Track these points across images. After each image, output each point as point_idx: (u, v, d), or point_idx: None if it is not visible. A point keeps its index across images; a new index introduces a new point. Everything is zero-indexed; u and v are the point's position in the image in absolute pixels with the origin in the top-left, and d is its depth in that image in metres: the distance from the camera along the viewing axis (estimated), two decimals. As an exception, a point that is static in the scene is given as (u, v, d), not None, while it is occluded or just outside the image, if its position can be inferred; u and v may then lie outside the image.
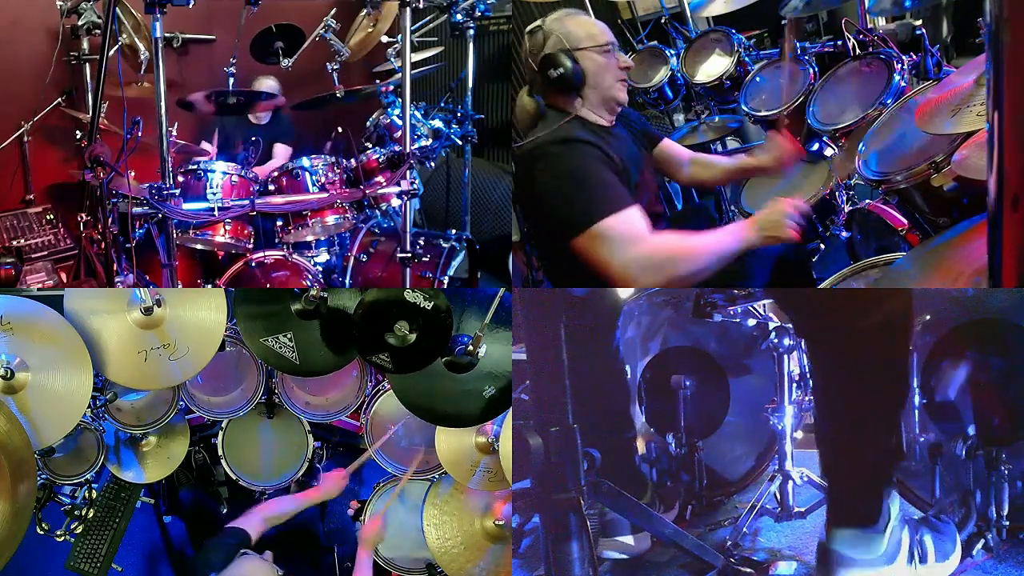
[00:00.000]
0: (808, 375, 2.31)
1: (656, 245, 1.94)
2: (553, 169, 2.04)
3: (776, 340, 2.28)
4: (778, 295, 2.30)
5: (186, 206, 2.64)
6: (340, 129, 3.37)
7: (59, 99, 3.43)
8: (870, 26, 3.10)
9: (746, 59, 3.45)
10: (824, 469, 2.00)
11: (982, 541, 1.95)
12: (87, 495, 2.36)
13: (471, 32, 3.74)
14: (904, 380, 1.95)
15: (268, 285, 3.01)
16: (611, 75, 2.21)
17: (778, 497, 2.28)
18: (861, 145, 2.34)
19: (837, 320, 1.79)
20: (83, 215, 2.23)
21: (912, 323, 1.98)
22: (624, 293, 2.41)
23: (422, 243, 3.28)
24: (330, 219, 3.15)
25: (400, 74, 3.09)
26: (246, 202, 2.86)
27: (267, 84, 3.90)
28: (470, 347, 2.00)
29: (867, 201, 2.65)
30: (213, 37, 3.90)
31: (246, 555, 2.14)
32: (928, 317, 2.11)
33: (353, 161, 3.20)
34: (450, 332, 1.97)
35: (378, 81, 3.75)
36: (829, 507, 1.87)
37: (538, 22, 2.23)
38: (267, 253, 3.08)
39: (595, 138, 2.11)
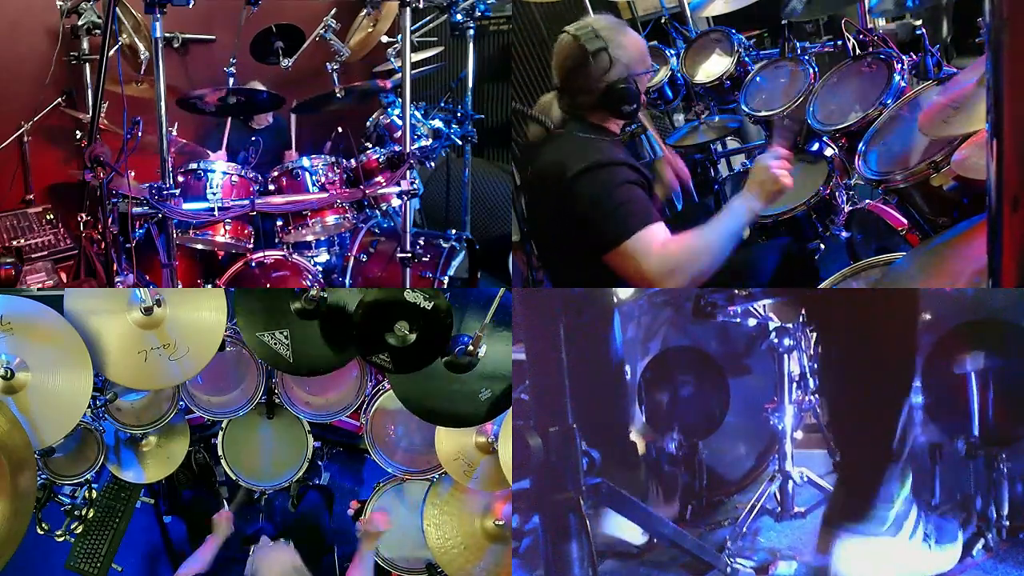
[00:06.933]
0: (810, 373, 2.32)
1: (675, 248, 1.99)
2: (594, 190, 2.07)
3: (776, 340, 2.28)
4: (780, 295, 2.31)
5: (186, 206, 2.64)
6: (340, 129, 3.36)
7: (59, 99, 3.41)
8: (870, 26, 3.10)
9: (746, 59, 3.45)
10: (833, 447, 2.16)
11: (982, 541, 1.95)
12: (87, 495, 2.36)
13: (471, 32, 3.73)
14: (908, 372, 1.98)
15: (268, 285, 3.00)
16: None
17: (778, 497, 2.28)
18: (861, 145, 2.34)
19: (844, 317, 1.88)
20: (83, 215, 2.23)
21: (917, 321, 2.00)
22: (624, 293, 2.41)
23: (422, 243, 3.27)
24: (330, 219, 3.15)
25: (400, 74, 3.09)
26: (246, 202, 2.86)
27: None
28: (470, 347, 2.00)
29: (867, 201, 2.64)
30: (213, 37, 3.89)
31: (278, 544, 2.21)
32: (928, 317, 2.11)
33: (353, 161, 3.19)
34: (450, 332, 1.97)
35: (378, 81, 3.74)
36: (838, 479, 1.98)
37: (601, 42, 2.14)
38: (267, 253, 3.08)
39: (629, 158, 2.15)
